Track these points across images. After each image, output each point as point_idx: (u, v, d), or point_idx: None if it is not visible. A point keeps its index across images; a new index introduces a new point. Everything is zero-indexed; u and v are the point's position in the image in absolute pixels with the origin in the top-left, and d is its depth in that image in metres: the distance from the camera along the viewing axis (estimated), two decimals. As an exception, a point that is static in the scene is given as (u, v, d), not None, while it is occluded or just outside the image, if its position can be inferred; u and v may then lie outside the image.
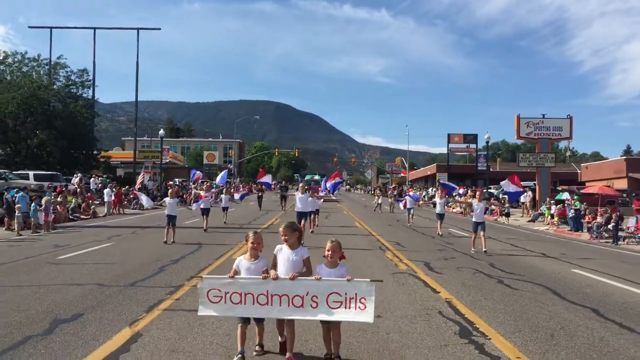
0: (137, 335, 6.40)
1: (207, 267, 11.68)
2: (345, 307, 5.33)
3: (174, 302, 8.08)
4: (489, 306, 8.40)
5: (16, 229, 18.69)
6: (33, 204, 19.80)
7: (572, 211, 26.42)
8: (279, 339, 5.86)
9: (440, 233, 20.68)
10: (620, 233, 22.33)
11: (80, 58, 54.37)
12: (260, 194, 39.68)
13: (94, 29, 54.15)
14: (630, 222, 23.27)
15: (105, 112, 53.95)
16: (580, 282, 11.06)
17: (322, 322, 5.55)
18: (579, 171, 60.96)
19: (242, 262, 5.75)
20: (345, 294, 5.36)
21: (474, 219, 16.08)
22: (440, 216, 21.28)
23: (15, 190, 23.23)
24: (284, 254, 5.74)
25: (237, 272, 5.66)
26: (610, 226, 22.40)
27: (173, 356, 5.68)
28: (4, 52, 48.86)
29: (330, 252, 5.62)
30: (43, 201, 19.87)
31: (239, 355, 5.54)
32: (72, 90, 50.53)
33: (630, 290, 10.29)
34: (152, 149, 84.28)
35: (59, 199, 24.59)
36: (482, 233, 15.66)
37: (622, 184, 46.56)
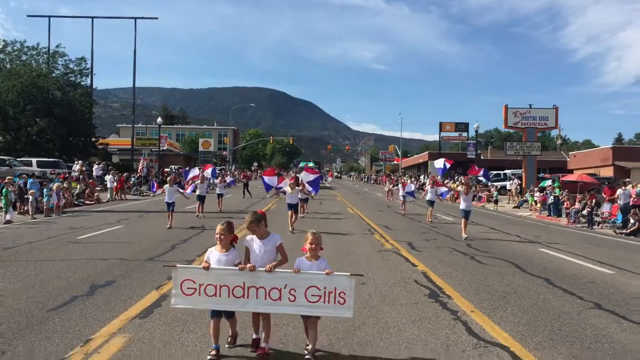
0: (165, 296, 7.78)
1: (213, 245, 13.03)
2: (325, 302, 5.25)
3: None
4: (458, 276, 9.87)
5: (30, 212, 19.98)
6: (45, 189, 21.09)
7: (552, 197, 27.95)
8: (254, 335, 5.63)
9: (430, 220, 21.35)
10: (596, 218, 23.91)
11: (72, 42, 54.85)
12: (246, 181, 39.90)
13: (92, 18, 54.90)
14: (604, 208, 24.85)
15: (98, 98, 54.90)
16: (543, 259, 12.55)
17: (302, 315, 5.49)
18: (568, 159, 62.46)
19: (213, 253, 5.59)
20: (325, 287, 5.26)
21: (461, 207, 16.63)
22: (431, 203, 21.98)
23: (19, 176, 24.42)
24: (256, 246, 5.56)
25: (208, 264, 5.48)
26: (585, 212, 23.97)
27: (196, 310, 7.06)
28: (4, 40, 49.61)
29: (313, 246, 5.48)
30: (54, 187, 21.17)
31: (214, 352, 5.37)
32: (70, 79, 51.53)
33: (584, 266, 11.79)
34: (148, 136, 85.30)
35: (64, 185, 25.81)
36: (464, 220, 16.25)
37: (609, 172, 48.01)
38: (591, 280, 10.01)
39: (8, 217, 18.12)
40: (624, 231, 20.75)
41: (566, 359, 5.56)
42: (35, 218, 19.66)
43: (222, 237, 5.52)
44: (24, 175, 24.27)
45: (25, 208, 21.09)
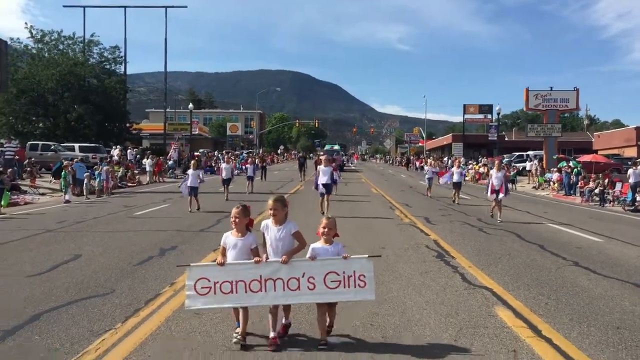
0: (221, 256, 9.65)
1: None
2: (345, 286, 5.24)
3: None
4: (464, 243, 11.60)
5: (85, 193, 22.19)
6: (96, 172, 23.30)
7: (566, 177, 29.29)
8: (271, 334, 5.31)
9: (456, 201, 21.58)
10: (608, 197, 25.20)
11: (102, 28, 56.99)
12: (263, 164, 39.18)
13: (125, 7, 57.10)
14: (617, 187, 26.09)
15: (121, 82, 56.41)
16: (543, 230, 14.19)
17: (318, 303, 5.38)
18: (593, 140, 62.84)
19: (229, 238, 5.52)
20: (344, 272, 5.26)
21: (494, 187, 16.14)
22: (457, 185, 22.11)
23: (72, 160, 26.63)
24: (271, 232, 5.47)
25: (224, 249, 5.50)
26: (597, 190, 25.27)
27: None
28: (42, 31, 52.00)
29: (326, 230, 5.44)
30: (104, 170, 23.36)
31: (239, 328, 5.39)
32: (105, 67, 53.92)
33: (578, 235, 13.42)
34: (177, 121, 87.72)
35: (111, 168, 28.00)
36: (499, 202, 16.03)
37: (633, 152, 48.62)
38: (579, 246, 11.64)
39: (67, 197, 20.28)
40: (632, 208, 22.08)
41: (534, 295, 7.29)
42: (89, 198, 21.84)
43: (237, 220, 5.45)
44: (74, 160, 26.46)
45: (78, 190, 23.28)
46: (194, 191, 17.66)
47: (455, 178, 22.36)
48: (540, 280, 8.20)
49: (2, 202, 16.82)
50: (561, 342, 5.45)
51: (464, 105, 71.97)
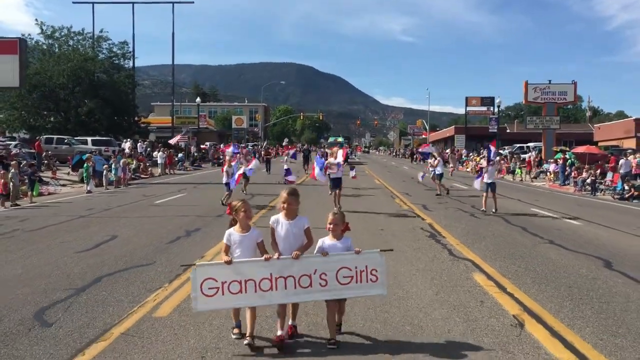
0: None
1: (266, 206, 16.08)
2: (357, 281, 5.16)
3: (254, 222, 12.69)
4: (455, 226, 12.98)
5: (105, 184, 23.64)
6: (113, 164, 24.73)
7: (560, 167, 30.63)
8: (278, 331, 5.14)
9: (439, 191, 21.68)
10: (600, 186, 26.47)
11: (107, 22, 58.47)
12: (268, 157, 39.41)
13: (132, 3, 58.46)
14: (608, 177, 27.37)
15: (130, 76, 57.07)
16: (529, 216, 15.51)
17: (327, 300, 5.24)
18: (594, 131, 63.75)
19: (233, 234, 5.35)
20: (356, 267, 5.17)
21: (484, 180, 16.38)
22: (439, 176, 22.27)
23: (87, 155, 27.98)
24: (282, 227, 5.30)
25: (228, 247, 5.34)
26: (589, 180, 26.56)
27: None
28: (52, 27, 53.31)
29: (332, 225, 5.31)
30: (122, 162, 24.78)
31: (237, 329, 5.36)
32: (114, 62, 55.29)
33: (560, 219, 14.77)
34: (183, 114, 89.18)
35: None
36: (492, 193, 16.14)
37: (632, 144, 49.62)
38: (558, 228, 12.99)
39: (89, 188, 21.70)
40: (619, 196, 23.35)
41: (507, 265, 8.68)
42: (108, 189, 23.27)
43: (248, 213, 5.36)
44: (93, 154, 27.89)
45: (97, 181, 24.69)
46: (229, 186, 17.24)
47: (438, 170, 22.40)
48: (516, 254, 9.56)
49: (34, 192, 18.28)
50: (520, 296, 6.84)
51: (466, 98, 73.11)
